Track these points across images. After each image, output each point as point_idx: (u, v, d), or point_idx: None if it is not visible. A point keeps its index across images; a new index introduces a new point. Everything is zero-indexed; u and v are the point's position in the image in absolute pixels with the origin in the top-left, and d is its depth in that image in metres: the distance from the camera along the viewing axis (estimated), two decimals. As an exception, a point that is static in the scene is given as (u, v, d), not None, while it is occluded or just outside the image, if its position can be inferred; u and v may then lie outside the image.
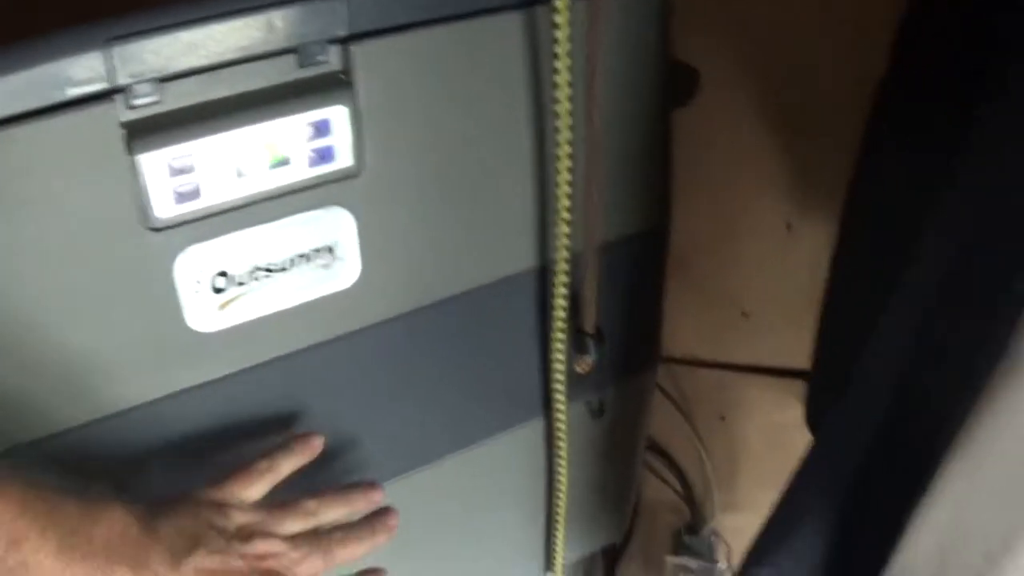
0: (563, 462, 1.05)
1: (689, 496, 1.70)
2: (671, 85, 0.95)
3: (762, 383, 1.53)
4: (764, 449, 1.61)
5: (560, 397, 1.00)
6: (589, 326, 0.96)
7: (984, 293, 0.75)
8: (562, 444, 1.04)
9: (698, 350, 1.54)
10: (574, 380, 1.00)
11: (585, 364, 1.00)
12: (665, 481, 1.69)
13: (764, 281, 1.43)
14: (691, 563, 1.73)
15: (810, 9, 1.17)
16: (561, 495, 1.09)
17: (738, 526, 1.71)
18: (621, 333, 1.01)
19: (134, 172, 0.72)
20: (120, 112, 0.70)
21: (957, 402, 0.74)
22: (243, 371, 0.84)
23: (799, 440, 1.05)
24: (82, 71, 0.69)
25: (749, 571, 0.93)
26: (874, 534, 0.82)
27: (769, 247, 1.38)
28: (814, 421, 1.26)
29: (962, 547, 0.74)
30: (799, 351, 1.43)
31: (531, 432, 1.05)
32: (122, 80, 0.70)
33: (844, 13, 1.14)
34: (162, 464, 0.85)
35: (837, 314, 1.23)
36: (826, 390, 1.21)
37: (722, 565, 1.73)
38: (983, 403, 0.71)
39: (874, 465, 0.86)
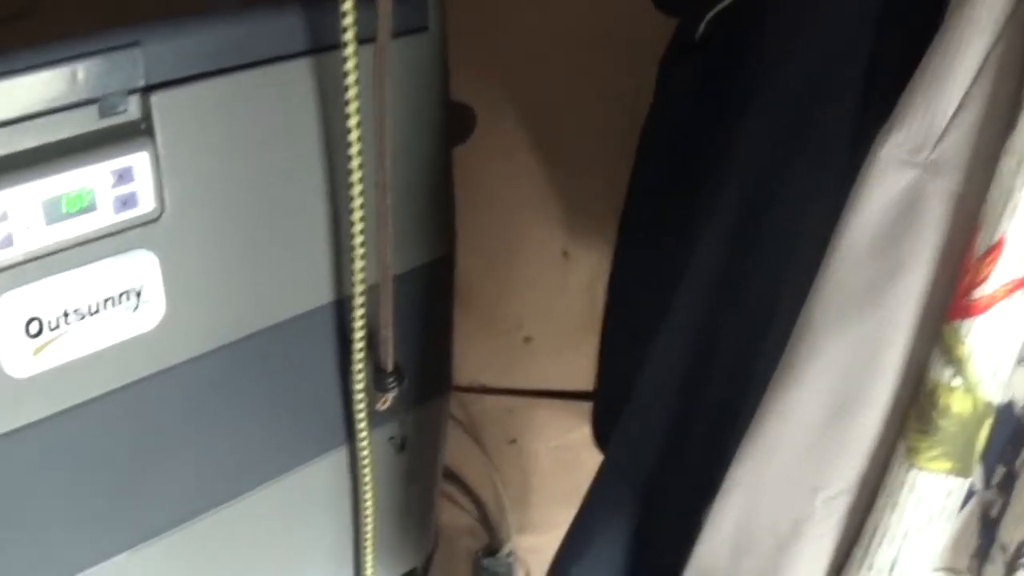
0: (369, 490, 1.08)
1: (484, 519, 1.75)
2: (450, 125, 1.01)
3: (549, 405, 1.60)
4: (555, 469, 1.67)
5: (362, 428, 1.03)
6: (388, 364, 0.99)
7: (756, 297, 0.82)
8: (367, 472, 1.07)
9: (484, 377, 1.59)
10: (374, 410, 1.03)
11: (385, 402, 1.03)
12: (461, 506, 1.73)
13: (544, 307, 1.50)
14: (492, 585, 1.78)
15: (570, 45, 1.25)
16: (369, 520, 1.11)
17: (534, 546, 1.76)
18: (416, 363, 1.05)
19: (-56, 225, 0.74)
20: (-72, 168, 0.72)
21: (739, 400, 0.79)
22: (57, 414, 0.85)
23: (588, 459, 1.11)
24: None
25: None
26: (671, 536, 0.86)
27: (547, 273, 1.45)
28: (602, 439, 1.31)
29: (754, 537, 0.78)
30: (582, 373, 1.50)
31: (336, 461, 1.07)
32: (-73, 138, 0.71)
33: (603, 52, 1.23)
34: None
35: (616, 335, 1.29)
36: (610, 409, 1.25)
37: (522, 585, 1.78)
38: (764, 402, 0.75)
39: (666, 468, 0.91)
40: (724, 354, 0.86)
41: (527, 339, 1.54)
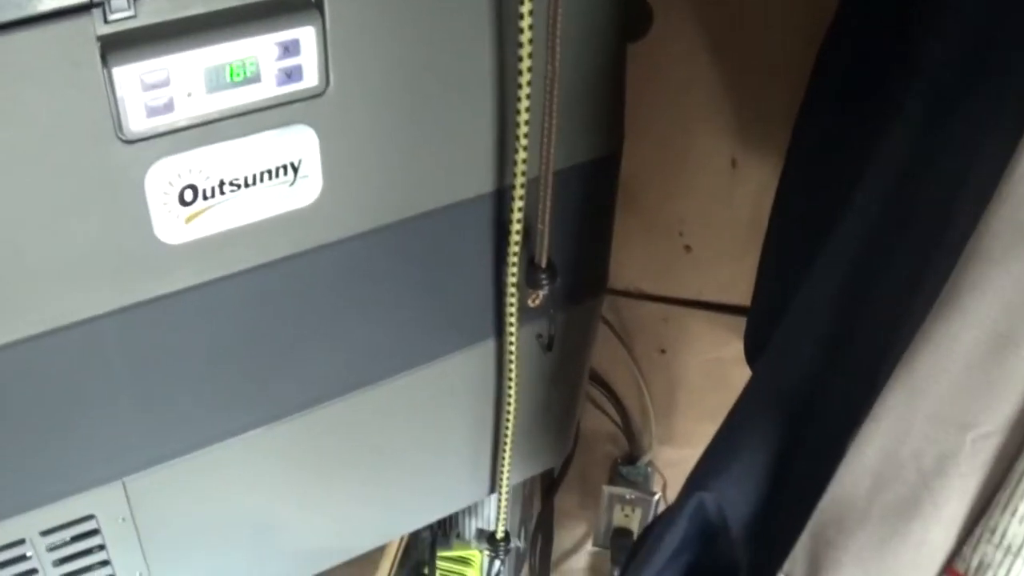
0: (512, 385, 1.08)
1: (627, 427, 1.73)
2: (626, 19, 0.97)
3: (703, 318, 1.57)
4: (703, 383, 1.65)
5: (512, 322, 1.02)
6: (542, 259, 0.98)
7: (924, 225, 0.78)
8: (512, 368, 1.06)
9: (640, 282, 1.57)
10: (525, 305, 1.02)
11: (536, 298, 1.01)
12: (604, 412, 1.72)
13: (708, 216, 1.46)
14: (627, 493, 1.77)
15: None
16: (510, 417, 1.11)
17: (674, 458, 1.75)
18: (572, 262, 1.03)
19: (109, 85, 0.73)
20: (96, 26, 0.71)
21: (896, 332, 0.76)
22: (205, 283, 0.85)
23: (737, 375, 1.08)
24: (59, -16, 0.70)
25: (691, 495, 0.96)
26: (813, 461, 0.84)
27: (714, 182, 1.41)
28: (752, 357, 1.29)
29: (898, 469, 0.76)
30: (740, 287, 1.46)
31: (482, 354, 1.07)
32: (98, -6, 0.71)
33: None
34: (125, 376, 0.87)
35: (777, 251, 1.26)
36: (764, 326, 1.24)
37: (658, 496, 1.77)
38: (921, 332, 0.73)
39: (815, 393, 0.89)
40: (886, 281, 0.83)
41: (687, 247, 1.50)
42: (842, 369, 0.86)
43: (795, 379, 0.90)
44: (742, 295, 1.46)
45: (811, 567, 0.83)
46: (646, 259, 1.53)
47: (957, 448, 0.73)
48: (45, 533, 0.92)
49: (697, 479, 0.96)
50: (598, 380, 1.67)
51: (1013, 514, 0.71)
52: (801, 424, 0.89)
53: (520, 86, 0.86)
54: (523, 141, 0.89)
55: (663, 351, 1.63)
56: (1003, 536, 0.72)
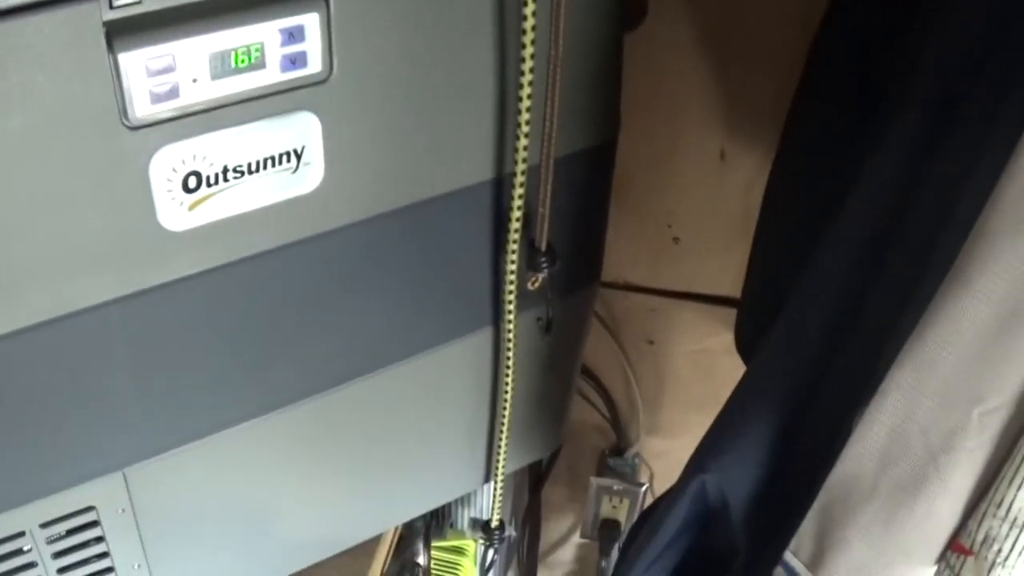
0: (510, 372, 1.09)
1: (615, 419, 1.75)
2: (622, 10, 0.98)
3: (691, 308, 1.58)
4: (690, 374, 1.66)
5: (510, 308, 1.03)
6: (542, 243, 0.99)
7: (931, 205, 0.79)
8: (510, 355, 1.07)
9: (629, 273, 1.58)
10: (523, 293, 1.03)
11: (536, 281, 1.02)
12: (592, 403, 1.73)
13: (696, 207, 1.47)
14: (615, 484, 1.78)
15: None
16: (507, 404, 1.12)
17: (662, 450, 1.76)
18: (569, 248, 1.04)
19: (114, 71, 0.73)
20: (103, 11, 0.72)
21: (903, 310, 0.77)
22: (208, 271, 0.86)
23: (726, 366, 1.10)
24: (65, -30, 0.70)
25: (693, 478, 0.97)
26: (817, 441, 0.86)
27: (703, 173, 1.42)
28: (744, 347, 1.30)
29: (906, 445, 0.77)
30: (728, 278, 1.48)
31: (479, 342, 1.08)
32: (104, -19, 0.71)
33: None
34: (128, 364, 0.87)
35: (768, 242, 1.27)
36: (756, 316, 1.25)
37: (645, 487, 1.78)
38: (929, 309, 0.74)
39: (820, 374, 0.90)
40: (892, 264, 0.84)
41: (676, 239, 1.51)
42: (847, 350, 0.87)
43: (799, 360, 0.91)
44: (730, 286, 1.48)
45: (818, 545, 0.84)
46: (635, 250, 1.54)
47: (964, 423, 0.74)
48: (45, 525, 0.92)
49: (699, 461, 0.97)
50: (586, 372, 1.68)
51: (1019, 488, 0.72)
52: (805, 405, 0.90)
53: (523, 74, 0.87)
54: (524, 128, 0.90)
55: (651, 342, 1.64)
56: (1008, 509, 0.73)
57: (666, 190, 1.46)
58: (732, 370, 1.05)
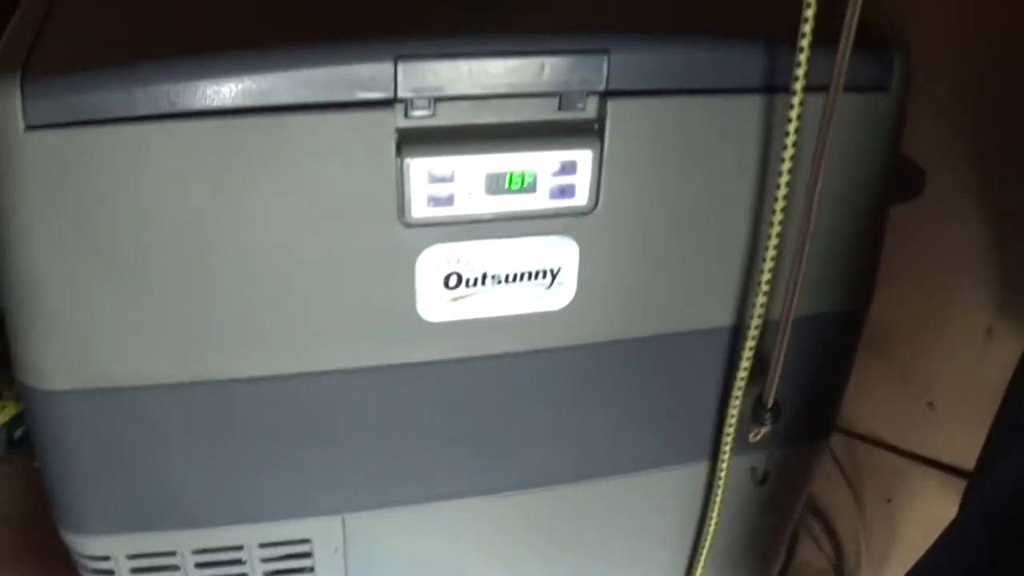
0: (715, 511, 1.11)
1: (839, 567, 1.73)
2: (894, 181, 1.00)
3: (935, 476, 1.56)
4: (922, 540, 1.62)
5: (726, 451, 1.05)
6: (768, 399, 1.01)
7: None
8: (718, 495, 1.10)
9: (879, 429, 1.57)
10: (744, 437, 1.05)
11: (758, 433, 1.04)
12: (820, 547, 1.72)
13: (956, 378, 1.46)
14: (830, 631, 1.76)
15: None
16: (707, 540, 1.14)
17: (880, 607, 1.73)
18: (799, 405, 1.06)
19: (400, 173, 0.82)
20: (397, 119, 0.81)
21: None
22: (453, 360, 0.93)
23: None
24: (372, 79, 0.80)
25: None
26: None
27: (966, 346, 1.41)
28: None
29: None
30: (977, 452, 1.45)
31: (693, 474, 1.10)
32: (403, 93, 0.81)
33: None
34: (367, 425, 0.96)
35: (1005, 424, 1.25)
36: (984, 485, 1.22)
37: (859, 640, 1.75)
38: None
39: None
40: None
41: (931, 404, 1.50)
42: None
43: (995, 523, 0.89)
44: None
45: None
46: (888, 408, 1.54)
47: None
48: (263, 545, 1.02)
49: None
50: (820, 514, 1.68)
51: None
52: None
53: (770, 236, 0.91)
54: (764, 287, 0.93)
55: (888, 500, 1.63)
56: None
57: (927, 356, 1.45)
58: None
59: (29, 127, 0.76)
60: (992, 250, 1.34)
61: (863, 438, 1.58)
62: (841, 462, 1.60)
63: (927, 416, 1.52)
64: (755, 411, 1.02)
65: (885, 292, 1.10)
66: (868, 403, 1.50)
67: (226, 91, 0.78)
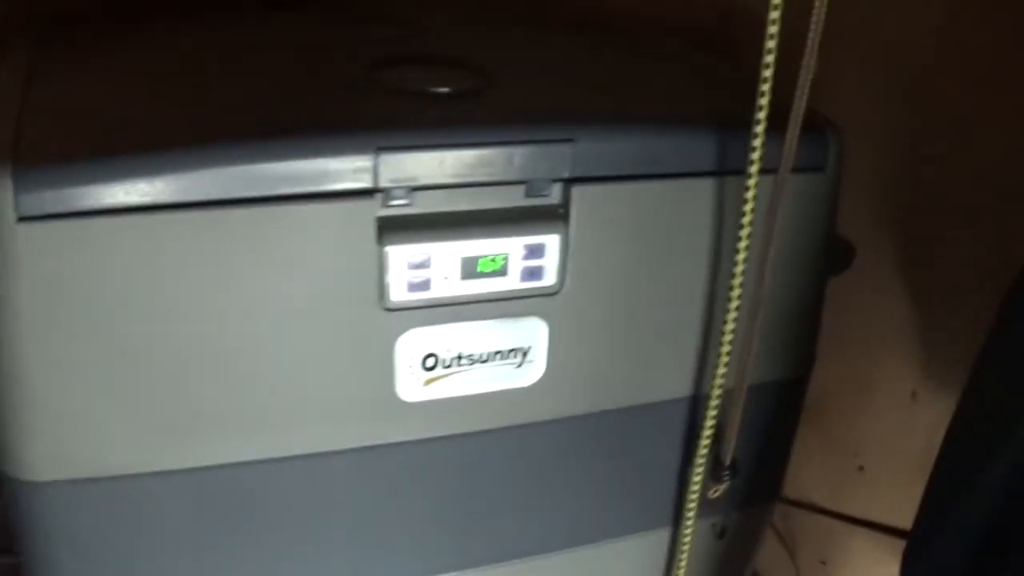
0: (682, 573, 1.15)
1: (778, 631, 1.77)
2: (830, 256, 1.07)
3: (868, 537, 1.61)
4: (858, 601, 1.68)
5: (690, 515, 1.09)
6: (727, 458, 1.06)
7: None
8: (683, 558, 1.13)
9: (812, 494, 1.62)
10: (703, 501, 1.09)
11: (716, 491, 1.09)
12: (759, 612, 1.76)
13: (884, 441, 1.52)
14: None
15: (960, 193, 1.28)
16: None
17: (822, 668, 1.77)
18: (752, 466, 1.11)
19: (380, 260, 0.86)
20: (377, 208, 0.85)
21: None
22: (431, 439, 0.97)
23: (896, 598, 1.14)
24: (353, 171, 0.84)
25: None
26: None
27: (893, 409, 1.47)
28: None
29: None
30: (907, 511, 1.50)
31: (655, 540, 1.14)
32: (383, 183, 0.85)
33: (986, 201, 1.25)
34: (343, 507, 0.98)
35: (939, 483, 1.30)
36: (920, 555, 1.26)
37: None
38: None
39: None
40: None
41: (861, 468, 1.56)
42: None
43: None
44: (908, 519, 1.50)
45: None
46: (820, 472, 1.59)
47: None
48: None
49: None
50: (758, 579, 1.72)
51: None
52: None
53: (728, 310, 0.96)
54: (724, 358, 0.98)
55: (823, 562, 1.68)
56: None
57: (856, 421, 1.51)
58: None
59: (21, 219, 0.77)
60: (911, 319, 1.41)
61: (798, 504, 1.64)
62: (777, 527, 1.65)
63: (857, 479, 1.58)
64: (714, 470, 1.07)
65: (816, 362, 1.16)
66: (801, 469, 1.56)
67: (213, 182, 0.80)
